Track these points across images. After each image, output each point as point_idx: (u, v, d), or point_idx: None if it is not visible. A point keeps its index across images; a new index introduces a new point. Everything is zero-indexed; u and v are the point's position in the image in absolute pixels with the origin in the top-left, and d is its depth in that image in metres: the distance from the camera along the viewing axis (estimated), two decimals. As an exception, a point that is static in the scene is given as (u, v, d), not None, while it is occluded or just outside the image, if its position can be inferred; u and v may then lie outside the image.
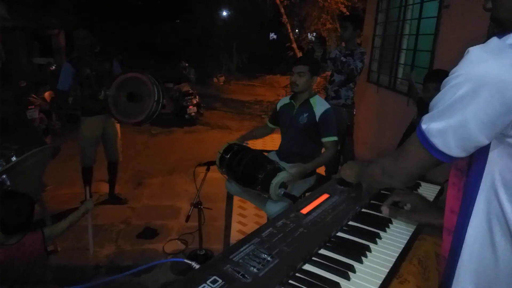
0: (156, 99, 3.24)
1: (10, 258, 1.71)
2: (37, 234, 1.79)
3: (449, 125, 0.70)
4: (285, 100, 2.61)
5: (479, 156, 0.74)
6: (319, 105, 2.40)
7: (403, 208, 1.16)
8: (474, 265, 0.76)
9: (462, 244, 0.77)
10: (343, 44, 3.78)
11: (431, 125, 0.73)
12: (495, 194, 0.72)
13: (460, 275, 0.78)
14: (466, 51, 0.70)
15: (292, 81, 2.39)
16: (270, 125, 2.71)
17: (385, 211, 1.14)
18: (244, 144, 2.41)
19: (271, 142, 2.82)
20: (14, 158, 2.44)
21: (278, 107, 2.62)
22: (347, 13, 7.77)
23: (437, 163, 0.78)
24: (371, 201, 1.34)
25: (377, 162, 1.00)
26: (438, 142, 0.72)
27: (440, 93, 0.72)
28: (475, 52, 0.68)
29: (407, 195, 1.16)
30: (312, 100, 2.42)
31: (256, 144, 2.65)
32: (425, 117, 0.75)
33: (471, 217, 0.75)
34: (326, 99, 3.41)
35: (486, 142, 0.69)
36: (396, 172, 0.90)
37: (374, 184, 1.22)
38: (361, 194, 1.37)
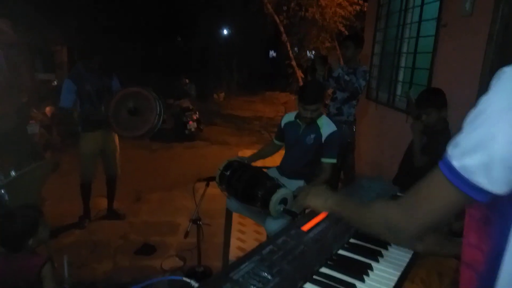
0: (158, 113, 3.27)
1: (6, 269, 1.68)
2: (37, 260, 1.72)
3: (494, 156, 0.59)
4: (289, 117, 2.58)
5: None
6: (326, 126, 2.41)
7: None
8: None
9: (494, 283, 0.68)
10: (342, 62, 3.83)
11: (467, 161, 0.62)
12: None
13: None
14: (501, 71, 0.63)
15: (304, 116, 2.37)
16: (277, 142, 2.70)
17: None
18: (243, 161, 2.41)
19: (271, 159, 2.84)
20: (13, 173, 2.43)
21: (282, 124, 2.61)
22: (346, 32, 7.90)
23: (467, 205, 0.68)
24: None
25: (375, 210, 0.84)
26: (481, 180, 0.61)
27: (475, 124, 0.62)
28: None
29: None
30: (319, 121, 2.43)
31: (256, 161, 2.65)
32: (454, 153, 0.64)
33: (504, 254, 0.66)
34: (328, 115, 3.43)
35: None
36: (409, 225, 0.74)
37: (364, 230, 1.03)
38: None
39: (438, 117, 2.35)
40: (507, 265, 0.66)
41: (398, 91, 4.08)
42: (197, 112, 7.51)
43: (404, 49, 3.99)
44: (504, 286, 0.67)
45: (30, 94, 6.44)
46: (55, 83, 7.72)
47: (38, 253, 1.80)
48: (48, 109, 6.16)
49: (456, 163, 0.63)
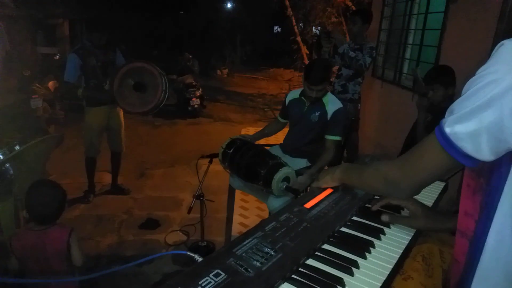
0: (164, 88, 3.25)
1: (32, 244, 1.73)
2: (64, 230, 1.79)
3: (483, 126, 0.62)
4: (294, 94, 2.55)
5: (503, 158, 0.66)
6: (332, 104, 2.37)
7: (400, 213, 1.15)
8: (500, 271, 0.71)
9: (482, 249, 0.72)
10: (348, 38, 3.75)
11: (458, 128, 0.65)
12: None
13: (481, 280, 0.73)
14: (500, 44, 0.63)
15: (310, 95, 2.33)
16: (281, 120, 2.66)
17: (385, 218, 1.11)
18: (246, 139, 2.40)
19: (274, 136, 2.82)
20: (17, 147, 2.44)
21: (287, 101, 2.57)
22: (353, 7, 7.70)
23: (457, 169, 0.72)
24: (375, 196, 1.34)
25: (375, 168, 0.91)
26: (468, 146, 0.64)
27: (469, 92, 0.64)
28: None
29: (404, 200, 1.11)
30: (324, 99, 2.39)
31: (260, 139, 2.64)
32: (448, 120, 0.67)
33: (493, 221, 0.69)
34: (333, 93, 3.39)
35: None
36: (404, 180, 0.80)
37: (367, 190, 1.15)
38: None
39: (444, 95, 2.32)
40: (494, 232, 0.70)
41: (405, 69, 4.01)
42: (200, 89, 7.45)
43: (413, 25, 3.90)
44: (490, 253, 0.71)
45: (32, 68, 6.40)
46: (57, 57, 7.65)
47: (63, 224, 1.87)
48: (51, 84, 6.14)
49: (448, 129, 0.66)
